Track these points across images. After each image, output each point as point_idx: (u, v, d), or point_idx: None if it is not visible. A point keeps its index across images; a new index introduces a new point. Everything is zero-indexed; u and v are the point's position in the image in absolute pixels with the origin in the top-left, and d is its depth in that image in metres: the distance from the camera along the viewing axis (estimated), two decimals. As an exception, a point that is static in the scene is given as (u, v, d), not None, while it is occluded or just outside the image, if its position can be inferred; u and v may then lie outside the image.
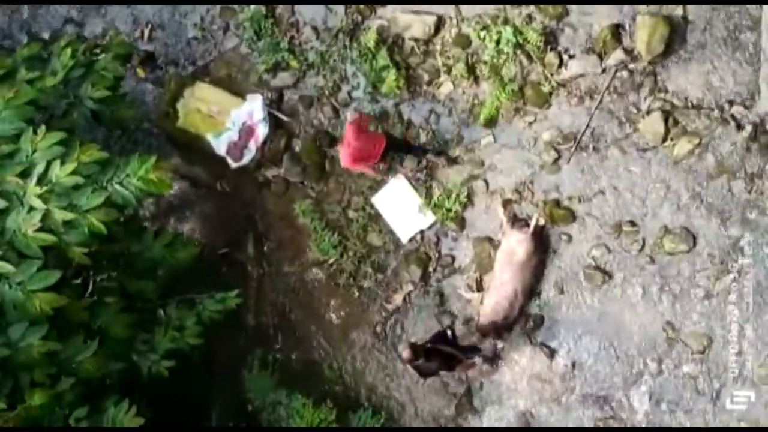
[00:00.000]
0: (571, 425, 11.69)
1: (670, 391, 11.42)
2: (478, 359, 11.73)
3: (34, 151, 9.34)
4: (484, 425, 12.03)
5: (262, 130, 12.87)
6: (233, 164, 13.10)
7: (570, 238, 11.75)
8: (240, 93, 13.13)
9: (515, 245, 11.50)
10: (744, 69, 11.34)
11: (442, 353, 10.98)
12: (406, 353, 10.65)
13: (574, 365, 11.72)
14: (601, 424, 11.55)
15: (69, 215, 9.17)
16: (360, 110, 12.21)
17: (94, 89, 10.64)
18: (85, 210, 9.30)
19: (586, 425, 11.64)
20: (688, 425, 11.26)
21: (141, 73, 13.56)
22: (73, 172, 9.19)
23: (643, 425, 11.43)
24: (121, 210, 9.77)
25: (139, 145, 13.43)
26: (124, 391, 10.49)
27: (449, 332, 11.46)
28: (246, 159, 13.04)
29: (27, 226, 9.11)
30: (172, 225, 13.35)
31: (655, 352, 11.47)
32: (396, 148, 12.23)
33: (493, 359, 11.92)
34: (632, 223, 11.53)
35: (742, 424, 11.03)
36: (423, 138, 12.43)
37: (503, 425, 11.95)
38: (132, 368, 10.73)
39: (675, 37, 11.48)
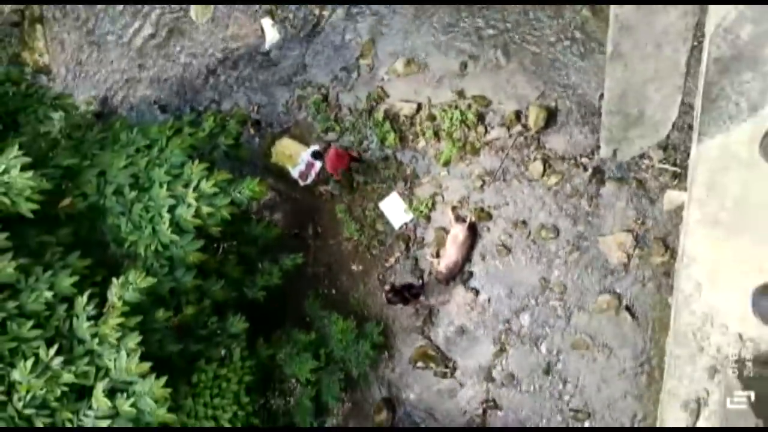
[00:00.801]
0: (483, 332, 11.42)
1: (542, 315, 11.31)
2: (421, 299, 11.72)
3: (191, 173, 9.37)
4: (437, 332, 11.79)
5: (317, 165, 12.77)
6: (302, 183, 13.01)
7: (489, 229, 11.69)
8: (306, 144, 13.02)
9: (458, 232, 11.46)
10: (589, 136, 11.30)
11: (403, 293, 11.23)
12: (386, 288, 10.95)
13: (489, 300, 11.64)
14: (503, 335, 11.34)
15: (210, 209, 9.23)
16: (337, 146, 12.18)
17: (225, 139, 10.75)
18: (219, 207, 9.34)
19: (496, 330, 11.35)
20: (551, 336, 11.05)
21: (252, 131, 13.56)
22: (213, 185, 9.23)
23: (527, 331, 11.17)
24: (238, 207, 9.72)
25: (250, 171, 13.10)
26: (237, 308, 10.49)
27: (417, 282, 11.46)
28: (309, 180, 12.94)
29: (186, 215, 9.16)
30: (267, 216, 13.23)
31: (534, 294, 11.39)
32: (355, 161, 12.19)
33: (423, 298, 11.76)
34: (524, 222, 11.49)
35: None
36: (408, 171, 12.20)
37: (449, 332, 11.76)
38: (242, 296, 10.67)
39: (551, 117, 11.45)
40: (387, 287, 11.48)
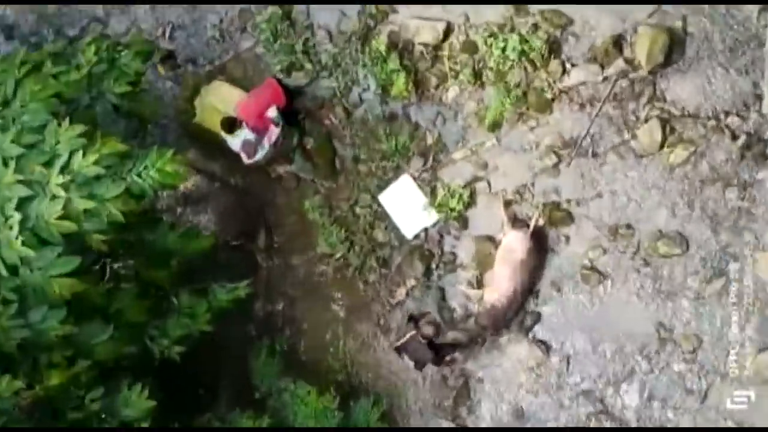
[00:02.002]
0: (563, 419, 11.66)
1: (660, 388, 11.36)
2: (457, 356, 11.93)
3: (57, 142, 9.15)
4: (481, 415, 12.02)
5: (274, 130, 12.70)
6: (247, 160, 12.94)
7: (567, 239, 11.71)
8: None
9: (515, 244, 11.46)
10: (741, 80, 11.32)
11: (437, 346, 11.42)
12: (406, 336, 11.30)
13: (568, 360, 11.68)
14: (593, 419, 11.50)
15: (89, 204, 9.04)
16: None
17: (115, 84, 10.55)
18: (105, 199, 9.16)
19: (579, 420, 11.59)
20: (677, 422, 11.22)
21: (161, 70, 13.53)
22: (94, 163, 9.04)
23: (634, 421, 11.38)
24: (138, 200, 9.62)
25: (157, 139, 13.25)
26: (136, 373, 10.43)
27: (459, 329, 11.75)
28: (259, 156, 12.86)
29: (49, 214, 8.95)
30: (187, 217, 13.33)
31: (646, 351, 11.41)
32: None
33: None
34: (628, 227, 11.48)
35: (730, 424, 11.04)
36: (429, 140, 12.40)
37: (498, 417, 11.94)
38: (144, 352, 10.65)
39: (674, 48, 11.44)
40: (407, 334, 11.60)
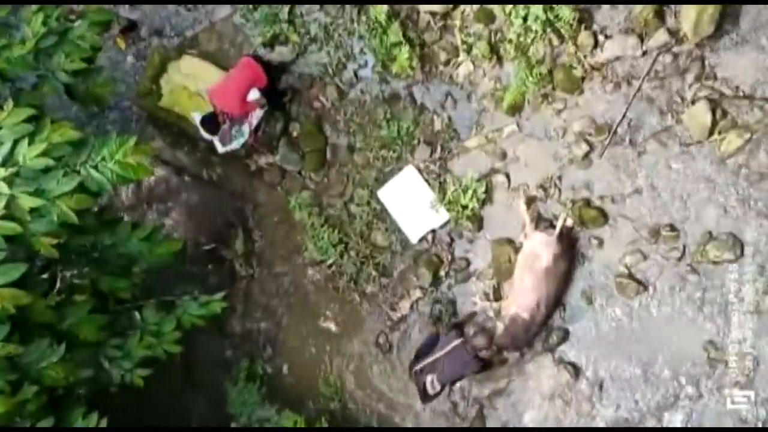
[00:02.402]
0: None
1: (709, 418, 11.33)
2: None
3: None
4: None
5: (255, 112, 12.83)
6: (221, 149, 13.09)
7: (601, 242, 11.72)
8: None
9: (539, 249, 11.47)
10: None
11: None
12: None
13: (601, 386, 11.70)
14: None
15: (36, 201, 9.05)
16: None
17: (67, 60, 10.51)
18: (55, 196, 9.19)
19: None
20: None
21: (121, 43, 13.60)
22: (43, 154, 9.06)
23: None
24: (95, 197, 9.62)
25: (117, 125, 13.44)
26: (93, 401, 10.49)
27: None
28: (236, 144, 13.02)
29: None
30: (152, 217, 13.38)
31: (693, 374, 11.38)
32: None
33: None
34: (672, 228, 11.47)
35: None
36: (437, 125, 12.44)
37: None
38: (102, 376, 10.64)
39: (726, 18, 11.37)
40: (450, 344, 11.63)
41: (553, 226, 11.59)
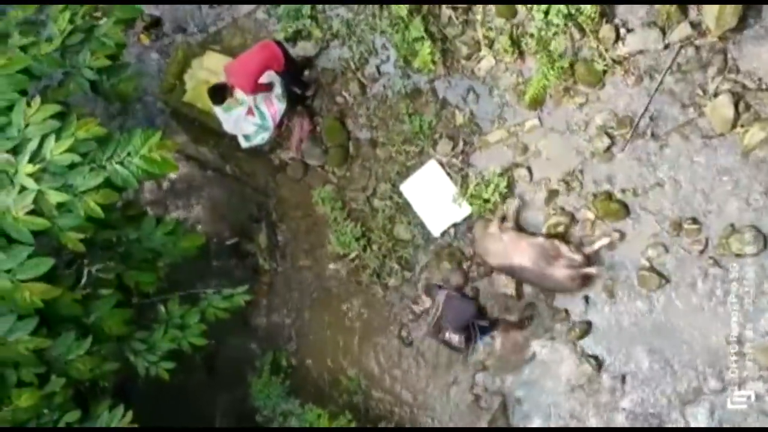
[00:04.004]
0: None
1: (732, 412, 11.24)
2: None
3: (26, 125, 9.18)
4: None
5: (278, 107, 12.79)
6: (245, 144, 13.08)
7: (623, 235, 11.66)
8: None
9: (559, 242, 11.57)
10: None
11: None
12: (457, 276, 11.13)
13: (623, 379, 11.67)
14: None
15: (63, 197, 9.07)
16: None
17: (93, 57, 10.51)
18: (82, 191, 9.19)
19: None
20: None
21: (145, 40, 13.67)
22: (69, 149, 9.07)
23: None
24: (120, 192, 9.60)
25: (142, 120, 13.53)
26: (118, 394, 10.66)
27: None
28: (259, 139, 13.02)
29: (17, 209, 8.99)
30: (176, 211, 13.44)
31: (716, 367, 11.32)
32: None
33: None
34: (694, 220, 11.41)
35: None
36: (460, 119, 12.41)
37: None
38: (128, 369, 10.67)
39: (750, 10, 11.28)
40: (436, 303, 11.36)
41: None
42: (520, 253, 11.53)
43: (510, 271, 11.88)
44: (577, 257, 11.43)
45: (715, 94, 11.41)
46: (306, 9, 12.88)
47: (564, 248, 11.44)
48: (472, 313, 11.26)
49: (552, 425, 11.94)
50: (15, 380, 9.59)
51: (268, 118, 12.81)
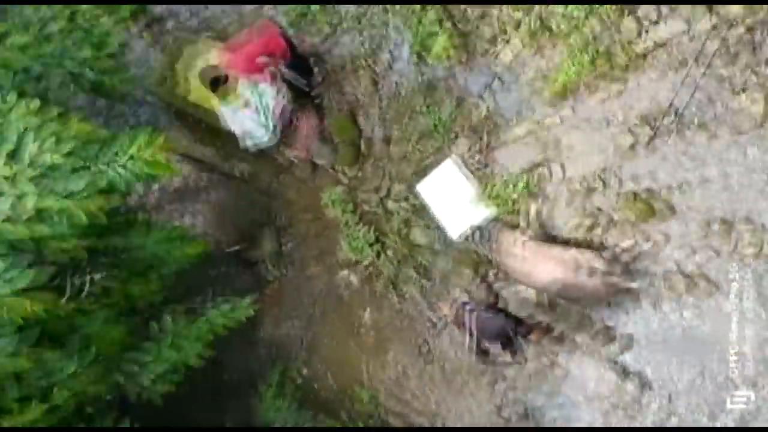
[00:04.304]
0: None
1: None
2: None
3: (19, 126, 9.16)
4: None
5: (283, 104, 12.81)
6: (246, 143, 13.06)
7: (666, 237, 11.33)
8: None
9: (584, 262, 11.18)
10: None
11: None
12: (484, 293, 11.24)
13: (669, 398, 11.31)
14: None
15: (49, 202, 9.04)
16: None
17: (91, 53, 10.80)
18: (69, 196, 9.19)
19: None
20: None
21: (147, 38, 13.71)
22: (69, 153, 9.13)
23: None
24: (123, 197, 9.99)
25: (144, 121, 13.48)
26: (121, 407, 10.75)
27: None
28: (260, 138, 12.97)
29: (12, 215, 8.97)
30: (172, 217, 13.46)
31: (757, 380, 10.94)
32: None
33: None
34: (747, 220, 11.05)
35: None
36: (480, 114, 12.26)
37: None
38: (130, 383, 10.81)
39: None
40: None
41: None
42: (546, 270, 11.38)
43: (537, 288, 11.74)
44: (612, 268, 11.21)
45: (745, 85, 11.21)
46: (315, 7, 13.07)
47: (596, 260, 11.21)
48: (507, 326, 11.19)
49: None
50: (11, 397, 9.66)
51: (270, 116, 12.80)
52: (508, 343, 11.36)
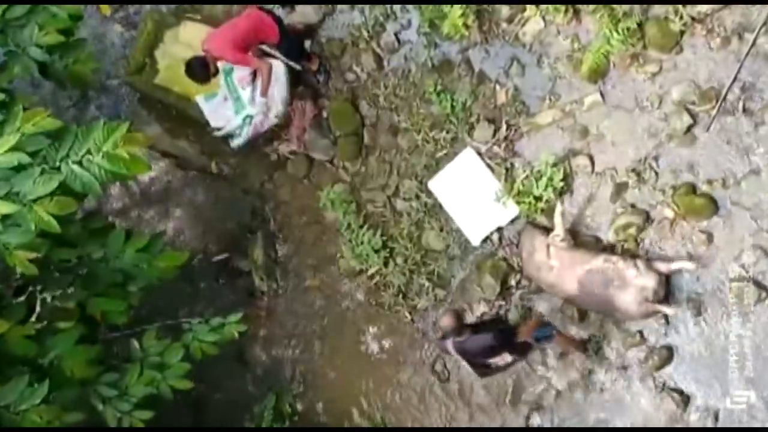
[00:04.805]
0: None
1: None
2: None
3: None
4: None
5: (277, 89, 12.77)
6: (235, 143, 13.14)
7: (710, 237, 11.58)
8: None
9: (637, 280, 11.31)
10: None
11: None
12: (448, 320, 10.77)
13: (716, 416, 11.58)
14: None
15: (9, 207, 9.05)
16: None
17: (41, 33, 10.57)
18: (32, 200, 9.14)
19: None
20: None
21: (105, 9, 13.32)
22: (15, 148, 9.04)
23: None
24: (79, 200, 9.63)
25: (104, 110, 13.71)
26: None
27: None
28: (249, 133, 12.99)
29: None
30: (150, 222, 13.54)
31: None
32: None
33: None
34: None
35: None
36: (501, 97, 12.44)
37: None
38: (95, 420, 10.68)
39: None
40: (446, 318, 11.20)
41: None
42: (575, 282, 11.53)
43: (564, 299, 11.99)
44: (649, 283, 11.27)
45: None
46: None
47: (630, 273, 11.29)
48: (492, 341, 11.13)
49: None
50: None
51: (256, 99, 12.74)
52: (509, 350, 11.31)
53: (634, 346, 11.86)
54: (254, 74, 12.62)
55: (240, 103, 12.78)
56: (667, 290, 11.43)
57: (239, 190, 13.63)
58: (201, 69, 12.36)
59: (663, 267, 11.36)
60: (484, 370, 11.52)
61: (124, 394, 10.72)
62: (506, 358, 11.39)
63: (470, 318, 12.24)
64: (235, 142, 13.02)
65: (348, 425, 13.00)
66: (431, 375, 12.76)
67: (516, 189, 12.17)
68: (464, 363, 11.32)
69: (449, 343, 10.93)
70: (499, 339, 11.07)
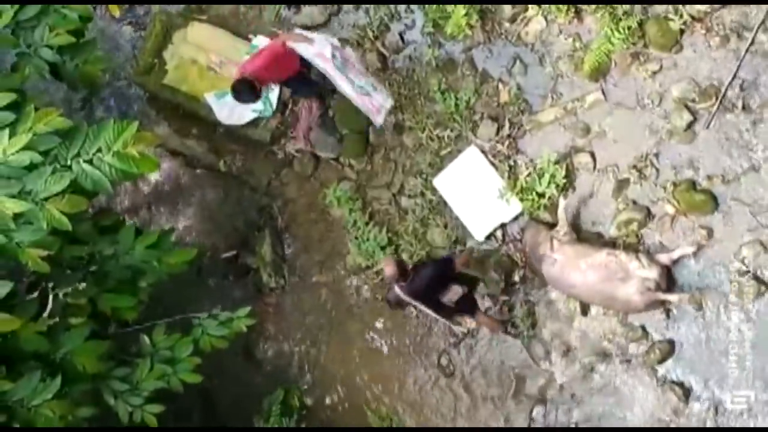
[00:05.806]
0: None
1: None
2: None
3: None
4: None
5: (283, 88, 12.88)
6: (226, 121, 13.21)
7: (710, 232, 11.57)
8: (251, 35, 13.20)
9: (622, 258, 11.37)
10: None
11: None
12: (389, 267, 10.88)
13: (716, 410, 11.56)
14: None
15: (21, 205, 9.03)
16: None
17: (52, 34, 10.55)
18: (43, 198, 9.11)
19: None
20: None
21: (115, 11, 13.31)
22: (26, 147, 9.01)
23: None
24: (90, 198, 9.64)
25: (114, 110, 13.68)
26: None
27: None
28: (247, 113, 13.08)
29: None
30: (159, 220, 13.56)
31: None
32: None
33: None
34: None
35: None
36: (504, 96, 12.42)
37: None
38: (107, 414, 10.68)
39: None
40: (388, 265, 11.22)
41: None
42: (578, 276, 11.46)
43: (568, 294, 11.98)
44: (651, 274, 11.21)
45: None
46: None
47: (632, 265, 11.22)
48: (436, 270, 11.26)
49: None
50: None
51: (273, 103, 13.00)
52: (454, 280, 11.29)
53: (635, 340, 11.84)
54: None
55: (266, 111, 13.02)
56: (669, 282, 11.37)
57: (247, 188, 13.57)
58: (248, 91, 11.80)
59: (665, 258, 11.35)
60: (447, 312, 11.51)
61: (136, 389, 10.74)
62: (457, 290, 11.32)
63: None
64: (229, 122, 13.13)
65: (355, 419, 12.97)
66: (436, 369, 12.75)
67: (519, 186, 12.14)
68: (424, 308, 11.33)
69: (398, 289, 10.96)
70: (441, 266, 11.29)
